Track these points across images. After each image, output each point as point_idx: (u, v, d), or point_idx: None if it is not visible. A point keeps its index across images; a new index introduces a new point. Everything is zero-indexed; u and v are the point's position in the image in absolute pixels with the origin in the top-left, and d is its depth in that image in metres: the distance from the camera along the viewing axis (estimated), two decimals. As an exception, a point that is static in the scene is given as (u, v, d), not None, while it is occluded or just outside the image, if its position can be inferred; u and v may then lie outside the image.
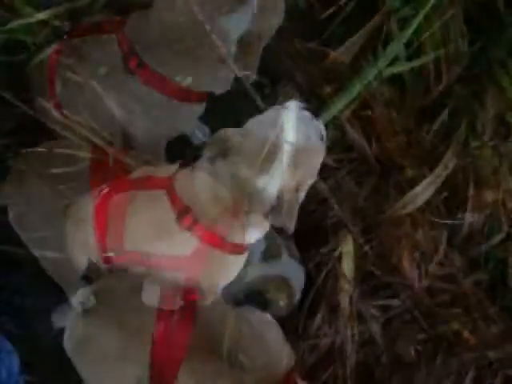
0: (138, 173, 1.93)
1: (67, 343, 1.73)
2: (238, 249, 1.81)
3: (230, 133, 1.73)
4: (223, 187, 1.73)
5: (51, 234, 2.04)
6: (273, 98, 2.35)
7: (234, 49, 1.73)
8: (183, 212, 1.74)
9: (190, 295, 1.77)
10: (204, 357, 1.68)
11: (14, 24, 2.01)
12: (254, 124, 1.77)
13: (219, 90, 1.88)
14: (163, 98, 1.80)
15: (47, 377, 2.06)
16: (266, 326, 1.84)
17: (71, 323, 1.72)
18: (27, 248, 2.19)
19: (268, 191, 1.70)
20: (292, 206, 1.71)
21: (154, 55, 1.72)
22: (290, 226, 1.72)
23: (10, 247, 2.20)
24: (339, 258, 1.93)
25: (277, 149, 1.69)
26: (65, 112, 2.12)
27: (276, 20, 1.81)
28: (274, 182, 1.70)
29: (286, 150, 1.70)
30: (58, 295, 1.93)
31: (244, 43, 1.71)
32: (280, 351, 1.80)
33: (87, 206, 1.89)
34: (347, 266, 1.91)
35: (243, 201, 1.72)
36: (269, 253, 1.76)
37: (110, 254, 1.81)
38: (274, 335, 1.83)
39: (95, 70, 1.81)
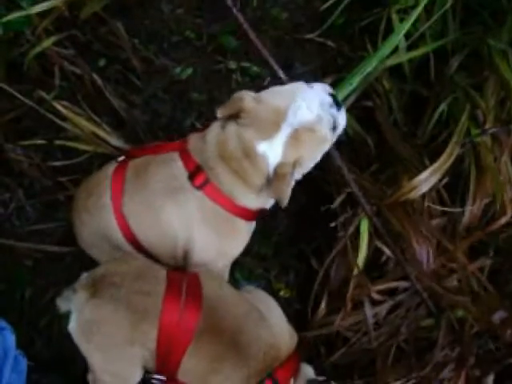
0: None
1: (73, 327, 1.72)
2: (245, 212, 1.84)
3: (245, 96, 1.76)
4: (230, 146, 1.76)
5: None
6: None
7: (270, 175, 1.77)
8: (195, 171, 1.79)
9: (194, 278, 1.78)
10: (210, 340, 1.68)
11: (13, 16, 1.99)
12: (271, 93, 1.80)
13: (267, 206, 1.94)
14: (226, 214, 1.83)
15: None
16: (269, 308, 1.85)
17: (78, 307, 1.72)
18: (28, 242, 2.21)
19: (266, 158, 1.73)
20: (285, 179, 1.72)
21: (214, 173, 1.80)
22: (283, 199, 1.73)
23: (12, 241, 2.21)
24: (352, 238, 1.93)
25: (284, 120, 1.73)
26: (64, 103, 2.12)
27: (320, 150, 1.82)
28: (274, 151, 1.73)
29: (294, 124, 1.72)
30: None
31: (279, 173, 1.75)
32: (283, 332, 1.80)
33: (106, 171, 1.93)
34: (362, 247, 1.91)
35: (245, 162, 1.75)
36: None
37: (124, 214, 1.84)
38: (277, 317, 1.84)
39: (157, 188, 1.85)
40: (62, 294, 1.77)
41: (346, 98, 2.13)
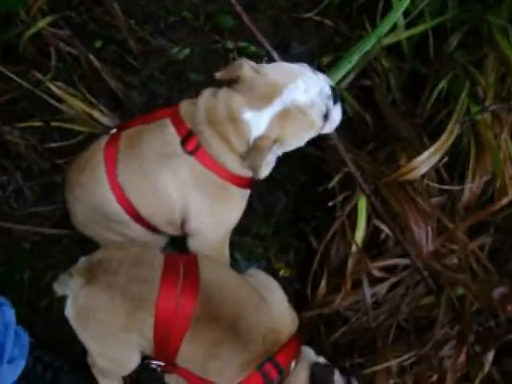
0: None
1: (69, 312, 1.72)
2: (235, 179, 1.82)
3: (245, 64, 1.75)
4: (217, 110, 1.76)
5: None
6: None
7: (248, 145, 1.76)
8: (187, 135, 1.78)
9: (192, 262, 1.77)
10: (208, 325, 1.67)
11: (8, -5, 1.98)
12: (273, 67, 1.80)
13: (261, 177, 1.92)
14: (218, 180, 1.82)
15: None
16: (270, 291, 1.84)
17: (74, 292, 1.71)
18: (26, 225, 2.21)
19: (249, 127, 1.73)
20: (262, 151, 1.72)
21: (203, 138, 1.79)
22: (256, 171, 1.74)
23: (10, 224, 2.20)
24: (349, 216, 1.92)
25: (278, 96, 1.71)
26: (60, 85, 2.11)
27: (304, 135, 1.81)
28: (258, 123, 1.72)
29: (286, 102, 1.71)
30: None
31: (256, 145, 1.74)
32: (284, 316, 1.79)
33: (98, 145, 1.91)
34: (359, 225, 1.90)
35: (229, 127, 1.74)
36: None
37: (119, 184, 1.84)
38: (278, 300, 1.83)
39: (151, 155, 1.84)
40: (58, 278, 1.76)
41: (344, 77, 2.12)
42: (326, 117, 1.79)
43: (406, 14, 2.16)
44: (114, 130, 1.93)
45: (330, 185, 1.96)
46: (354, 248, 1.88)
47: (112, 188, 1.84)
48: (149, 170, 1.82)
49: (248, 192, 1.93)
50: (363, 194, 1.90)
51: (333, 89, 1.82)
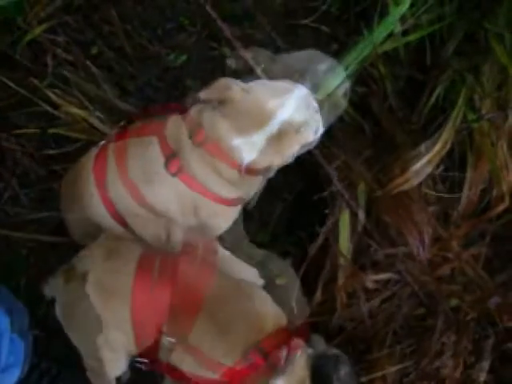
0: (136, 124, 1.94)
1: (57, 312, 1.75)
2: (222, 201, 1.80)
3: (233, 84, 1.70)
4: (203, 136, 1.71)
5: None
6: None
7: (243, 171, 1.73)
8: (170, 157, 1.75)
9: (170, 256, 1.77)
10: (187, 317, 1.66)
11: (4, 2, 1.97)
12: (260, 86, 1.75)
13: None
14: (204, 200, 1.80)
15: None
16: (255, 289, 1.82)
17: (57, 292, 1.74)
18: (22, 232, 2.21)
19: (240, 154, 1.68)
20: (257, 178, 1.72)
21: (187, 162, 1.74)
22: (252, 197, 1.75)
23: (6, 231, 2.20)
24: (334, 231, 1.92)
25: (271, 118, 1.67)
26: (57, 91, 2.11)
27: (288, 160, 1.78)
28: (251, 148, 1.68)
29: (280, 124, 1.67)
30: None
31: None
32: (266, 306, 1.76)
33: (88, 158, 1.90)
34: (343, 239, 1.90)
35: (217, 154, 1.70)
36: None
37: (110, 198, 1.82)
38: (263, 295, 1.81)
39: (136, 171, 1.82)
40: (47, 281, 1.78)
41: (340, 84, 2.11)
42: (316, 132, 1.77)
43: (402, 20, 2.15)
44: (103, 142, 1.92)
45: (324, 194, 1.95)
46: (341, 260, 1.87)
47: (103, 201, 1.84)
48: (134, 186, 1.80)
49: (239, 207, 1.90)
50: (348, 208, 1.88)
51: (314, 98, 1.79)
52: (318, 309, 1.96)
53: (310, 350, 1.71)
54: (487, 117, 1.91)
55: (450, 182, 1.98)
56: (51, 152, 2.24)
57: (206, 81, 2.30)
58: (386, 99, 2.17)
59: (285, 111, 1.68)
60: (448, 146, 1.90)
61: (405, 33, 2.17)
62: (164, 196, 1.79)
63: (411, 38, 2.16)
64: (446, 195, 1.93)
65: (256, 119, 1.67)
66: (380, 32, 2.11)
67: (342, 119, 2.12)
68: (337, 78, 1.81)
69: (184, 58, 2.38)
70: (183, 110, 1.83)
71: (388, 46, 2.16)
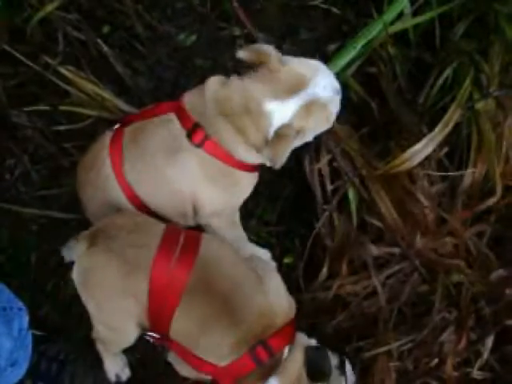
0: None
1: (75, 275, 1.76)
2: (245, 167, 1.84)
3: (273, 52, 1.77)
4: (232, 102, 1.77)
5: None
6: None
7: (270, 135, 1.77)
8: (193, 128, 1.78)
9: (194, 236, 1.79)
10: (201, 300, 1.68)
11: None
12: (296, 60, 1.82)
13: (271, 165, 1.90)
14: (227, 167, 1.83)
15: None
16: (268, 275, 1.83)
17: (78, 255, 1.75)
18: (33, 208, 2.23)
19: (271, 118, 1.75)
20: (287, 140, 1.74)
21: (214, 130, 1.78)
22: (278, 161, 1.75)
23: (17, 207, 2.23)
24: (339, 209, 1.94)
25: (305, 89, 1.75)
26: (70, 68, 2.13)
27: (320, 128, 1.87)
28: (282, 113, 1.75)
29: (311, 96, 1.75)
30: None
31: (281, 134, 1.76)
32: (280, 300, 1.78)
33: (103, 142, 1.91)
34: (352, 214, 1.93)
35: (246, 119, 1.75)
36: (317, 377, 1.69)
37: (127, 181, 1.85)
38: (276, 284, 1.82)
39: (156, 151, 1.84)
40: (66, 244, 1.79)
41: (350, 64, 2.13)
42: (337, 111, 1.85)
43: (412, 1, 2.16)
44: (117, 126, 1.92)
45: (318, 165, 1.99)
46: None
47: (120, 185, 1.86)
48: (155, 166, 1.82)
49: (257, 174, 1.94)
50: (352, 186, 1.90)
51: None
52: (325, 284, 1.98)
53: (306, 343, 1.77)
54: (493, 95, 1.90)
55: (457, 164, 1.98)
56: (62, 128, 2.26)
57: (216, 60, 2.36)
58: (395, 80, 2.17)
59: (315, 85, 1.77)
60: (450, 127, 1.90)
61: (414, 14, 2.18)
62: (189, 171, 1.81)
63: (421, 19, 2.16)
64: (451, 173, 1.92)
65: (290, 86, 1.75)
66: (390, 13, 2.13)
67: (350, 99, 2.13)
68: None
69: (194, 37, 2.39)
70: (176, 106, 1.85)
71: (398, 28, 2.17)
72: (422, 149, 1.89)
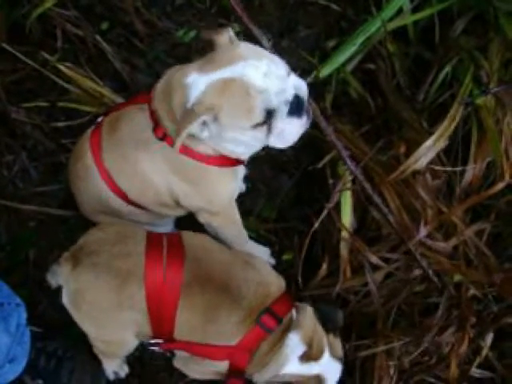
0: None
1: (65, 299, 1.74)
2: (208, 159, 1.75)
3: (226, 32, 1.64)
4: (172, 88, 1.66)
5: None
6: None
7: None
8: (157, 122, 1.72)
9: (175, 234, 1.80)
10: (199, 289, 1.69)
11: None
12: (250, 45, 1.68)
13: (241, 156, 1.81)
14: (192, 161, 1.75)
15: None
16: (252, 255, 1.88)
17: (64, 280, 1.73)
18: (31, 205, 2.23)
19: (189, 91, 1.61)
20: (190, 117, 1.58)
21: (159, 116, 1.70)
22: (178, 137, 1.60)
23: (15, 203, 2.22)
24: (338, 205, 1.94)
25: (230, 65, 1.59)
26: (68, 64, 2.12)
27: (237, 116, 1.64)
28: (198, 86, 1.59)
29: (236, 74, 1.58)
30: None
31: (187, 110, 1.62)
32: (269, 271, 1.83)
33: (87, 133, 1.90)
34: (345, 212, 1.93)
35: (175, 96, 1.64)
36: (309, 355, 1.73)
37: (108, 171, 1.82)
38: (261, 261, 1.88)
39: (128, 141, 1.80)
40: (50, 269, 1.77)
41: (349, 60, 2.12)
42: (269, 114, 1.61)
43: (412, -2, 2.15)
44: (101, 118, 1.90)
45: (320, 164, 1.96)
46: (344, 233, 1.90)
47: (102, 175, 1.84)
48: (129, 156, 1.78)
49: (234, 168, 1.84)
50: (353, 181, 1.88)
51: (301, 101, 1.65)
52: (324, 282, 1.97)
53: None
54: (493, 91, 1.90)
55: (454, 159, 1.97)
56: (60, 125, 2.26)
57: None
58: (394, 77, 2.16)
59: (248, 66, 1.58)
60: (455, 123, 1.89)
61: (414, 11, 2.17)
62: (158, 163, 1.78)
63: (420, 16, 2.15)
64: (451, 169, 1.92)
65: (218, 61, 1.61)
66: (389, 10, 2.12)
67: (349, 96, 2.13)
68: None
69: (193, 34, 2.39)
70: (149, 97, 1.77)
71: (397, 24, 2.16)
72: (430, 146, 1.87)
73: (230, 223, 1.98)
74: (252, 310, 1.71)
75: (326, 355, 1.76)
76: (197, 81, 1.61)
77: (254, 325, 1.70)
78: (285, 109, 1.62)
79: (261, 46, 1.84)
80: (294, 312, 1.77)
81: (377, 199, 1.82)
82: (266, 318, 1.71)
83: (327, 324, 1.78)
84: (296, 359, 1.73)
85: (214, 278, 1.70)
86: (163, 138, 1.71)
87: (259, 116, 1.61)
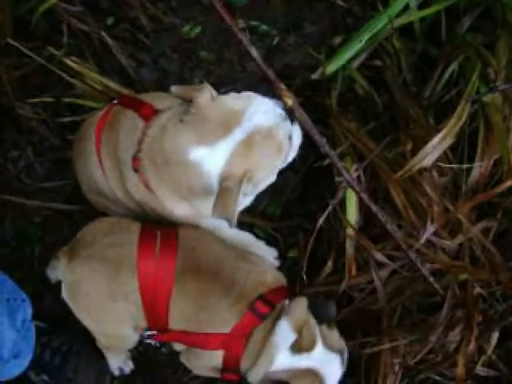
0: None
1: (64, 293, 1.76)
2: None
3: (205, 89, 1.58)
4: (164, 150, 1.60)
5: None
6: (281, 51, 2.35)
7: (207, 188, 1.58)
8: (136, 153, 1.69)
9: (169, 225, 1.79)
10: (192, 277, 1.70)
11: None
12: (229, 95, 1.63)
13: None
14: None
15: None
16: (248, 249, 1.88)
17: (62, 273, 1.75)
18: (37, 200, 2.23)
19: (203, 167, 1.55)
20: (229, 195, 1.52)
21: (144, 165, 1.66)
22: (228, 219, 1.56)
23: (21, 199, 2.23)
24: (341, 205, 1.94)
25: (239, 124, 1.54)
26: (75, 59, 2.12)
27: (274, 164, 1.64)
28: (215, 160, 1.52)
29: (249, 129, 1.53)
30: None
31: (221, 189, 1.54)
32: (266, 264, 1.86)
33: (94, 117, 1.89)
34: (350, 209, 1.92)
35: (175, 169, 1.60)
36: (300, 344, 1.67)
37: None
38: (260, 259, 1.88)
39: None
40: (49, 264, 1.79)
41: (355, 57, 2.12)
42: (290, 138, 1.64)
43: (419, -6, 2.14)
44: (115, 101, 1.88)
45: (326, 161, 1.95)
46: (349, 231, 1.90)
47: (99, 161, 1.81)
48: (119, 161, 1.74)
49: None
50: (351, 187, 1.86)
51: (287, 111, 1.65)
52: (329, 279, 1.97)
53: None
54: (500, 88, 1.89)
55: (461, 156, 1.97)
56: (66, 120, 2.25)
57: (221, 53, 2.35)
58: (400, 74, 2.15)
59: (252, 115, 1.55)
60: (462, 121, 1.88)
61: (420, 7, 2.16)
62: (135, 181, 1.74)
63: (427, 12, 2.14)
64: (457, 166, 1.91)
65: (222, 125, 1.53)
66: (395, 6, 2.10)
67: (355, 92, 2.12)
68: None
69: (198, 29, 2.38)
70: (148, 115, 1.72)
71: (403, 21, 2.15)
72: (437, 144, 1.86)
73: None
74: (244, 296, 1.70)
75: (319, 346, 1.69)
76: (208, 156, 1.53)
77: (247, 311, 1.69)
78: (289, 123, 1.64)
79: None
80: (287, 301, 1.74)
81: (375, 208, 1.80)
82: (258, 304, 1.70)
83: (319, 315, 1.72)
84: (287, 349, 1.67)
85: (207, 267, 1.71)
86: (137, 170, 1.67)
87: (286, 145, 1.62)
